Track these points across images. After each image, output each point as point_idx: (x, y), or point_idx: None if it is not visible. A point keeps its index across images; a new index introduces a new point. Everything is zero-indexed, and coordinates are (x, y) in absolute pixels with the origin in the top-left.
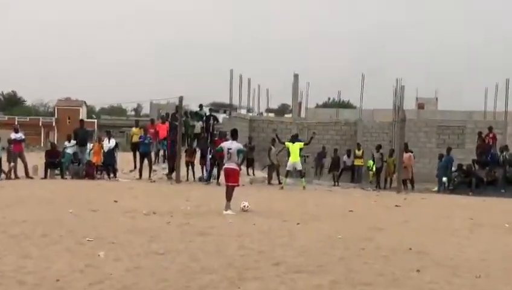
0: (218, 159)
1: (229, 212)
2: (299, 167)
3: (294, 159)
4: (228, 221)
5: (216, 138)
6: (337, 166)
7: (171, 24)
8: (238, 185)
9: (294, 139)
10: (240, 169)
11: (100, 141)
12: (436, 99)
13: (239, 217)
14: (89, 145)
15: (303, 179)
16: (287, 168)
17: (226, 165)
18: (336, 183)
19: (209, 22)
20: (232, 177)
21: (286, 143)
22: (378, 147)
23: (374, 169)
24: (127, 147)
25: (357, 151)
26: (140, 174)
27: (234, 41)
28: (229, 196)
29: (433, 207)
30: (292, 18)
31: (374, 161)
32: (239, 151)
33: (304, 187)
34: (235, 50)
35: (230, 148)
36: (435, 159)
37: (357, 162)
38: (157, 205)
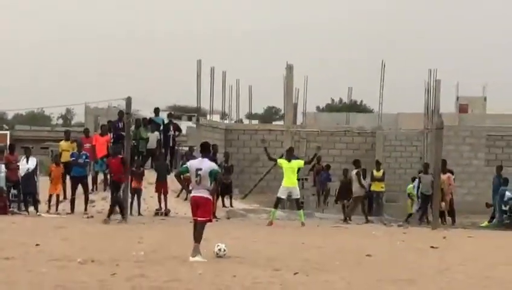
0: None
1: (197, 258)
2: (297, 194)
3: (290, 184)
4: (197, 271)
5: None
6: (348, 193)
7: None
8: (210, 220)
9: (290, 155)
10: (214, 198)
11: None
12: (485, 99)
13: (213, 266)
14: (0, 167)
15: (301, 211)
16: (279, 195)
17: (193, 193)
18: (348, 217)
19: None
20: (202, 209)
21: (279, 160)
22: (426, 166)
23: (415, 197)
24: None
25: (375, 172)
26: (73, 207)
27: (202, 24)
28: (197, 236)
29: (484, 249)
30: None
31: (417, 184)
32: (212, 173)
33: (302, 223)
34: (204, 37)
35: (200, 169)
36: (484, 182)
37: (376, 186)
38: (97, 249)
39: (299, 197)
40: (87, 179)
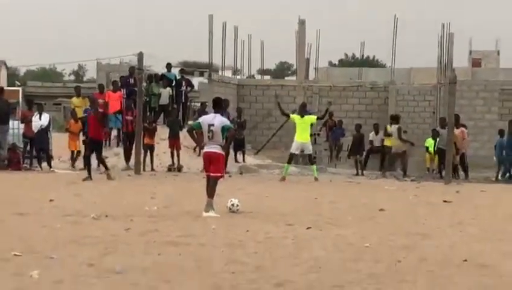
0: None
1: (210, 213)
2: (309, 150)
3: (303, 139)
4: (211, 226)
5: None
6: (360, 148)
7: None
8: (222, 177)
9: (302, 111)
10: (227, 153)
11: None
12: (498, 52)
13: (225, 221)
14: (13, 123)
15: (314, 166)
16: (292, 151)
17: (206, 149)
18: (360, 171)
19: None
20: (215, 165)
21: (291, 115)
22: (443, 121)
23: (432, 150)
24: (64, 124)
25: (388, 127)
26: (86, 164)
27: None
28: (210, 192)
29: (497, 203)
30: None
31: (434, 138)
32: (224, 128)
33: (315, 178)
34: None
35: (212, 125)
36: (497, 137)
37: (389, 141)
38: (110, 205)
39: (311, 152)
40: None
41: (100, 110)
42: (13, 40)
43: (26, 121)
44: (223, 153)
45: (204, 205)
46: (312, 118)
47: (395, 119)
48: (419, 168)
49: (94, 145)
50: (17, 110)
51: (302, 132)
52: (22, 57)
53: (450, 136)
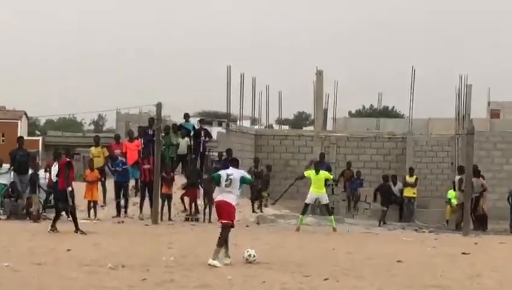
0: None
1: (215, 262)
2: (325, 199)
3: (318, 192)
4: (227, 277)
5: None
6: (388, 198)
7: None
8: (232, 225)
9: (318, 164)
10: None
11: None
12: None
13: (242, 271)
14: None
15: (332, 216)
16: (306, 201)
17: (218, 198)
18: (382, 222)
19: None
20: (225, 213)
21: (306, 173)
22: (461, 169)
23: (455, 202)
24: (83, 174)
25: (408, 178)
26: (118, 211)
27: (233, 32)
28: (219, 240)
29: None
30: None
31: (455, 189)
32: (244, 179)
33: (334, 229)
34: (234, 43)
35: (231, 174)
36: None
37: (408, 192)
38: (127, 255)
39: (327, 202)
40: (128, 184)
41: (121, 160)
42: (34, 91)
43: (49, 170)
44: (233, 203)
45: (212, 252)
46: (327, 175)
47: (460, 169)
48: (435, 220)
49: (61, 195)
50: (36, 159)
51: (318, 186)
52: (42, 107)
53: (468, 188)
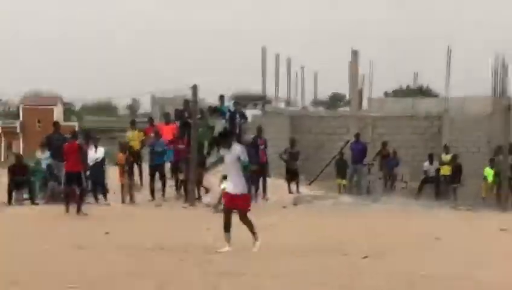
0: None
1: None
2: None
3: None
4: (265, 256)
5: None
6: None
7: None
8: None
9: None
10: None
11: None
12: None
13: (278, 251)
14: None
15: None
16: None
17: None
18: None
19: None
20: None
21: None
22: (498, 150)
23: (492, 179)
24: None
25: (443, 156)
26: (153, 195)
27: (265, 12)
28: (248, 226)
29: None
30: None
31: (492, 167)
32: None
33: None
34: (267, 23)
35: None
36: None
37: (444, 170)
38: (166, 236)
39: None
40: (164, 166)
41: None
42: (69, 76)
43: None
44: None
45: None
46: None
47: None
48: (475, 197)
49: (70, 178)
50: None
51: None
52: (77, 91)
53: (506, 165)
